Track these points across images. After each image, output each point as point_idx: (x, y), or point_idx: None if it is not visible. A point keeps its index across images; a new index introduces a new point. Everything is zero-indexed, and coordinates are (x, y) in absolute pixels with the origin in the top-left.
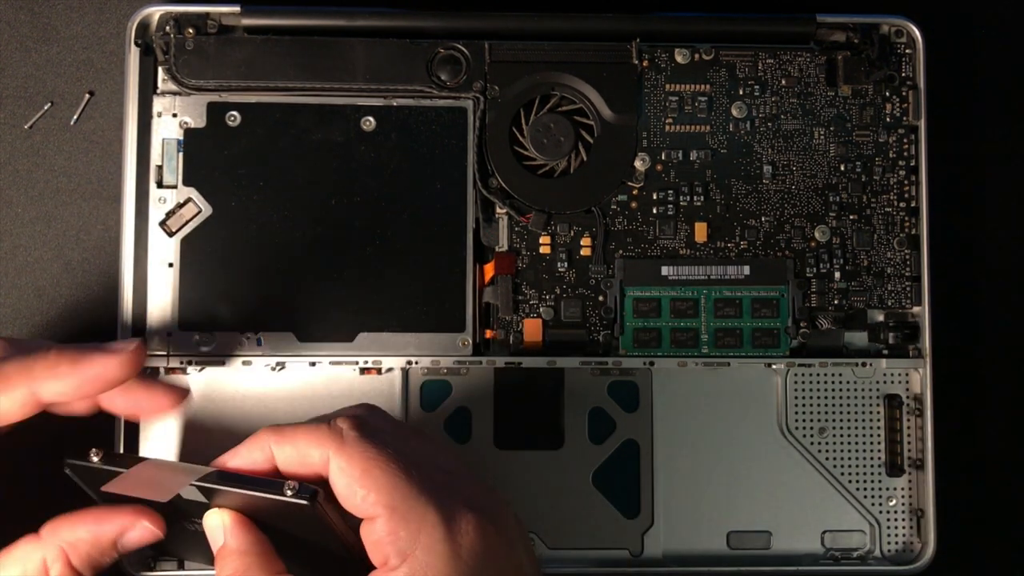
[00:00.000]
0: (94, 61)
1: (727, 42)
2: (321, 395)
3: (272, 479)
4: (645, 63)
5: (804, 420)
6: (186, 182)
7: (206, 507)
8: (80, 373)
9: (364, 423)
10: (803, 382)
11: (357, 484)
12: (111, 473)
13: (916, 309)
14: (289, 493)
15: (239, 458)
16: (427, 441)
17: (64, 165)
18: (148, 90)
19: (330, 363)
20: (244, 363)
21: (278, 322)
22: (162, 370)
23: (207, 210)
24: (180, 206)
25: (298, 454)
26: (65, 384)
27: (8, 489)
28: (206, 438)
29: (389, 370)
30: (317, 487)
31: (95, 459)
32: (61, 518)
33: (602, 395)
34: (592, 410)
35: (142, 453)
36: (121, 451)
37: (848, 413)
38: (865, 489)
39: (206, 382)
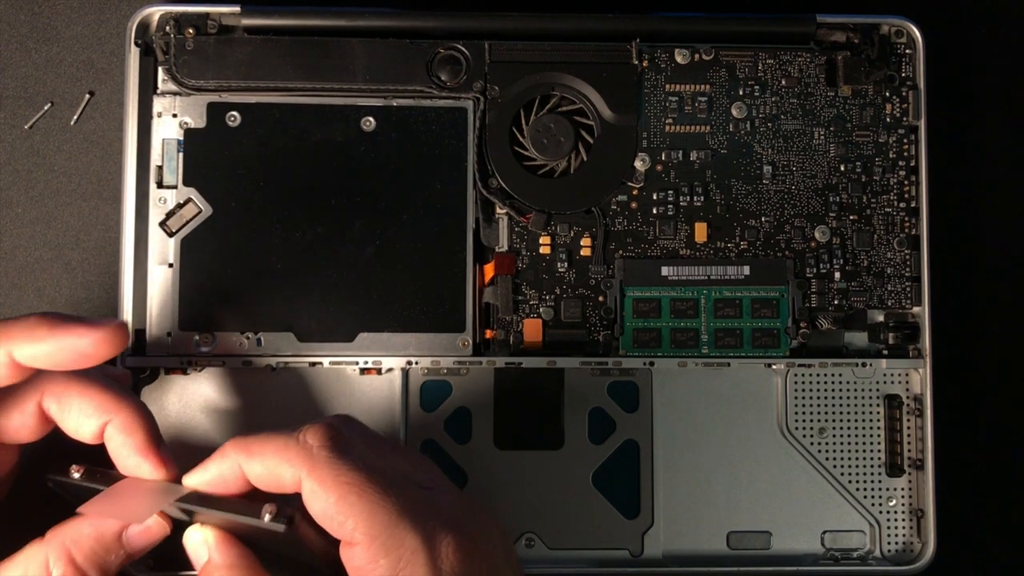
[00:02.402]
0: (94, 61)
1: (727, 42)
2: (321, 396)
3: (250, 502)
4: (645, 63)
5: (804, 420)
6: (186, 182)
7: (187, 524)
8: (56, 340)
9: (336, 436)
10: (803, 382)
11: (333, 510)
12: (91, 490)
13: (916, 309)
14: (267, 518)
15: (208, 474)
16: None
17: (64, 165)
18: (148, 90)
19: (330, 363)
20: (244, 363)
21: (278, 322)
22: (162, 371)
23: (207, 210)
24: (180, 206)
25: (268, 472)
26: (40, 348)
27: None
28: (205, 439)
29: (389, 370)
30: (295, 511)
31: (76, 475)
32: (68, 520)
33: (602, 395)
34: (592, 410)
35: None
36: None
37: (848, 413)
38: (865, 489)
39: (206, 382)
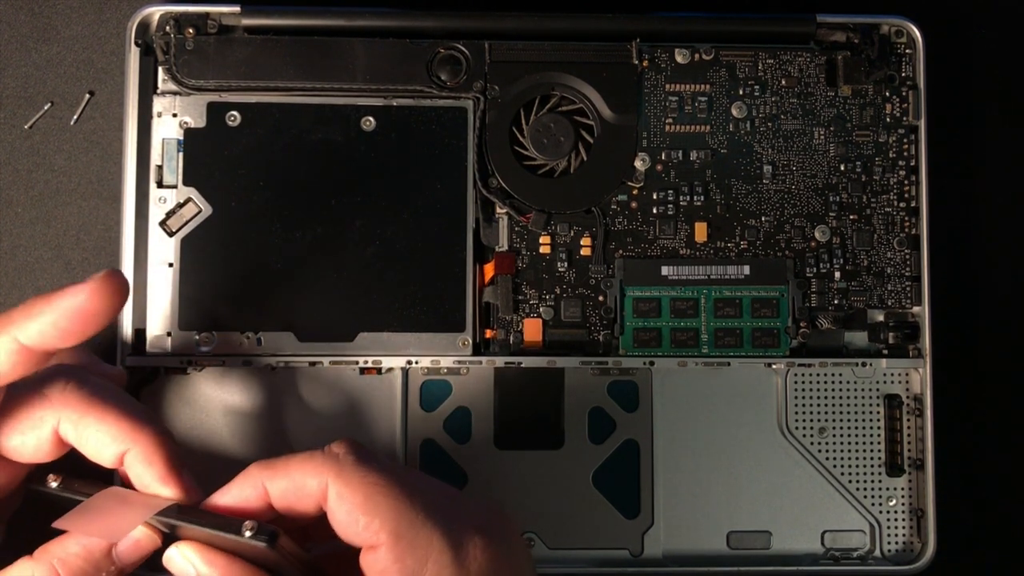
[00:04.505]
0: (94, 61)
1: (727, 42)
2: (321, 395)
3: (231, 518)
4: (645, 63)
5: (804, 420)
6: (186, 182)
7: (171, 538)
8: (54, 308)
9: (360, 447)
10: (803, 382)
11: (359, 512)
12: (70, 501)
13: (916, 309)
14: (247, 534)
15: (230, 496)
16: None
17: (64, 165)
18: (148, 90)
19: (330, 363)
20: (244, 363)
21: (278, 322)
22: (162, 370)
23: (207, 210)
24: (180, 206)
25: (293, 485)
26: (42, 322)
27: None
28: (206, 439)
29: (389, 370)
30: (278, 528)
31: (53, 485)
32: (58, 536)
33: (602, 395)
34: (592, 410)
35: None
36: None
37: (848, 413)
38: (865, 489)
39: (206, 382)
